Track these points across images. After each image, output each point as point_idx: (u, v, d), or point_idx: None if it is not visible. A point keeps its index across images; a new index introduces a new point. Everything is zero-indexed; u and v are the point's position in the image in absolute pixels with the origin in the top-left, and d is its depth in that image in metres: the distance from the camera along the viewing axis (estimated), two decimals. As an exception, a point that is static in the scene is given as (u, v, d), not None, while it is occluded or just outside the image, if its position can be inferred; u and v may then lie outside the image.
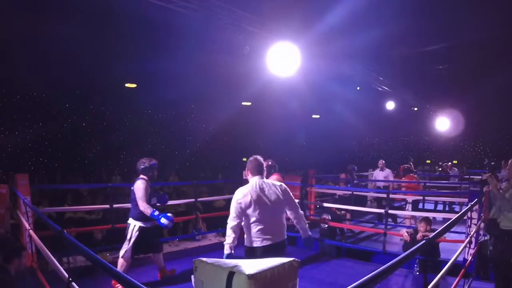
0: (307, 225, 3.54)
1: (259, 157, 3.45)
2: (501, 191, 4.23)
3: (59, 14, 6.78)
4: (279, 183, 3.39)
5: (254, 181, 3.31)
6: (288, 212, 3.42)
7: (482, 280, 4.85)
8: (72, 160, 11.96)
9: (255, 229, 3.19)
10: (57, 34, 7.12)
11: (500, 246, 4.30)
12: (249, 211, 3.18)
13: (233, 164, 12.03)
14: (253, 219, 3.18)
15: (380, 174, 10.14)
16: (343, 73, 9.01)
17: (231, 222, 3.23)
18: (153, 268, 4.98)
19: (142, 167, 4.46)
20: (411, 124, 17.17)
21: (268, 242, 3.17)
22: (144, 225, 4.36)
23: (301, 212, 3.51)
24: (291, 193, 3.43)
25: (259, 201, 3.19)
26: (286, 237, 3.37)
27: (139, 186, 4.33)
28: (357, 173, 12.20)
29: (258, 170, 3.35)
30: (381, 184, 10.20)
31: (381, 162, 10.32)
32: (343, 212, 7.66)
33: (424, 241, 2.36)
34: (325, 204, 7.35)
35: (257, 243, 3.18)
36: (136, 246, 4.35)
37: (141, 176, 4.46)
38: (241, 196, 3.22)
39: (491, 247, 4.54)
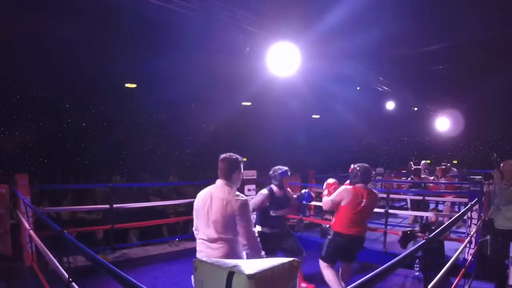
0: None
1: (231, 156, 2.79)
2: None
3: (59, 14, 6.78)
4: (243, 198, 2.66)
5: (215, 184, 2.79)
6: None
7: (482, 280, 4.85)
8: (72, 160, 11.97)
9: (197, 238, 2.80)
10: (57, 34, 7.13)
11: (495, 246, 4.30)
12: (195, 216, 2.80)
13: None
14: (196, 226, 2.82)
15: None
16: (343, 73, 9.00)
17: None
18: (153, 268, 4.97)
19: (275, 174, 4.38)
20: (411, 124, 17.14)
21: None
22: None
23: (253, 242, 2.66)
24: (247, 215, 2.64)
25: (202, 209, 2.70)
26: None
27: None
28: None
29: (224, 174, 2.76)
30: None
31: (410, 163, 10.14)
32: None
33: (424, 241, 2.36)
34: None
35: (198, 253, 2.79)
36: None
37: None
38: (197, 196, 2.82)
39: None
